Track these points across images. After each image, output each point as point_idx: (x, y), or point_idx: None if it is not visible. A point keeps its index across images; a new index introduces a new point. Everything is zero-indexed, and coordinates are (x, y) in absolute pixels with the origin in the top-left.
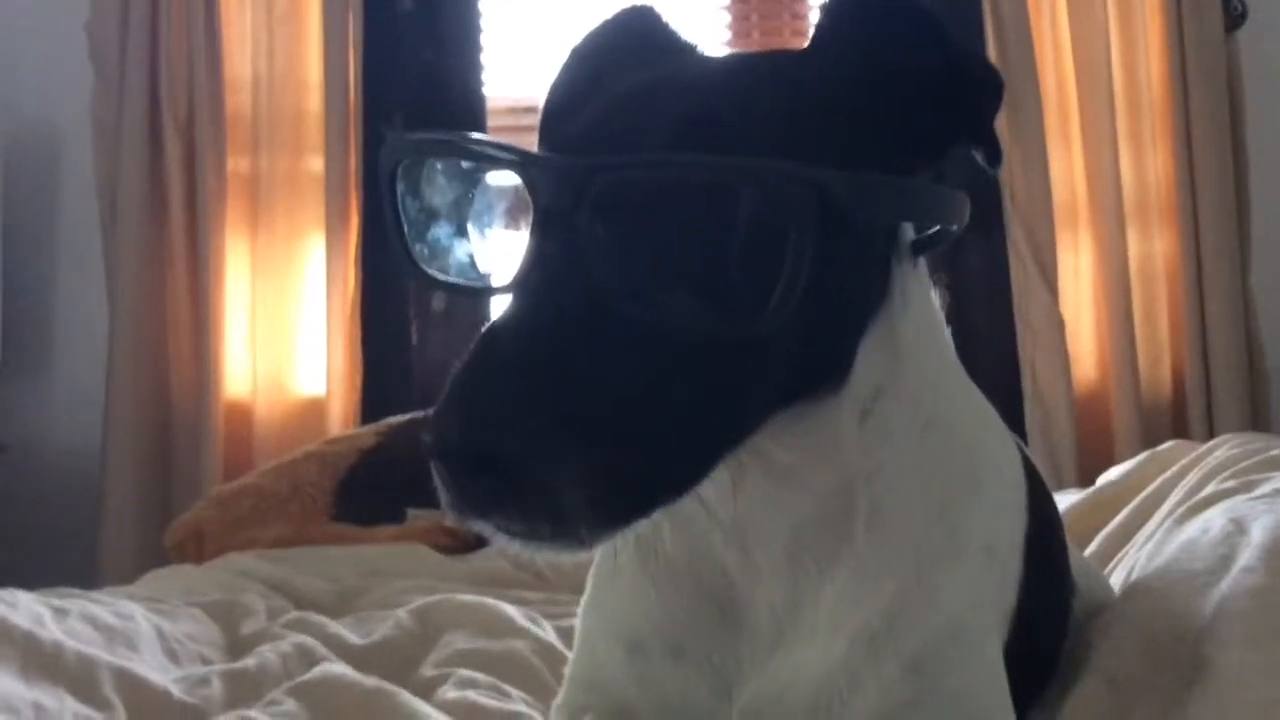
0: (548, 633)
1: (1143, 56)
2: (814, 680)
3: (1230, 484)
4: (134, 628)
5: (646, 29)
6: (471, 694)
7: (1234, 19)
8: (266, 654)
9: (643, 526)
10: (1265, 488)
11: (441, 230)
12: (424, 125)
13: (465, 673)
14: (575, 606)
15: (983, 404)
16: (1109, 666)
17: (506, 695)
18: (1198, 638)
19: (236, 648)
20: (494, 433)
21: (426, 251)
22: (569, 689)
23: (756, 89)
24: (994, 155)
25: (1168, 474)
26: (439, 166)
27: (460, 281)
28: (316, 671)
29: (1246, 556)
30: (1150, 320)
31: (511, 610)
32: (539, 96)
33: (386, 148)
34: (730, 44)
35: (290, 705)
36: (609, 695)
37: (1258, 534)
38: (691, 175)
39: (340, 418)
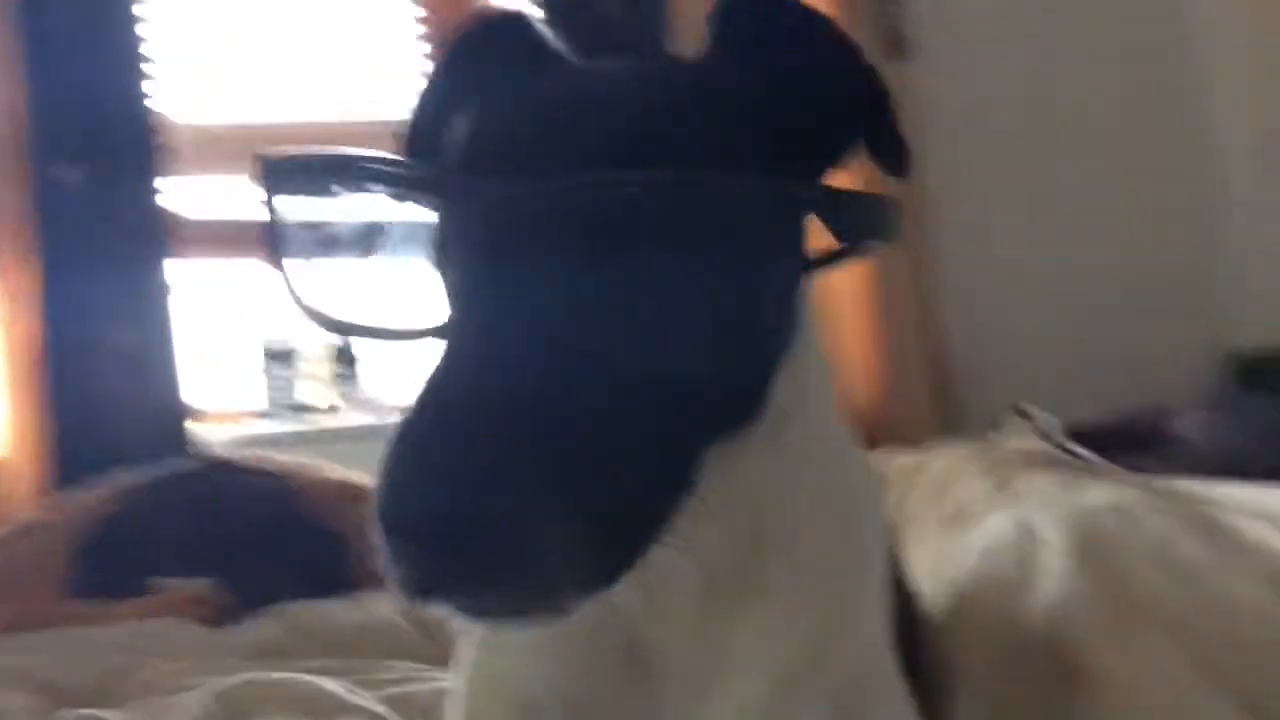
0: (376, 706)
1: None
2: None
3: (983, 486)
4: None
5: (516, 37)
6: None
7: (898, 47)
8: None
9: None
10: (1027, 487)
11: (338, 265)
12: (96, 154)
13: None
14: (386, 673)
15: None
16: (982, 689)
17: None
18: (1055, 647)
19: None
20: (469, 499)
21: (318, 290)
22: None
23: (673, 100)
24: (900, 162)
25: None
26: (334, 191)
27: (369, 325)
28: None
29: (1056, 562)
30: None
31: (330, 685)
32: (224, 119)
33: (266, 169)
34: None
35: None
36: None
37: (1053, 534)
38: (658, 196)
39: (28, 482)
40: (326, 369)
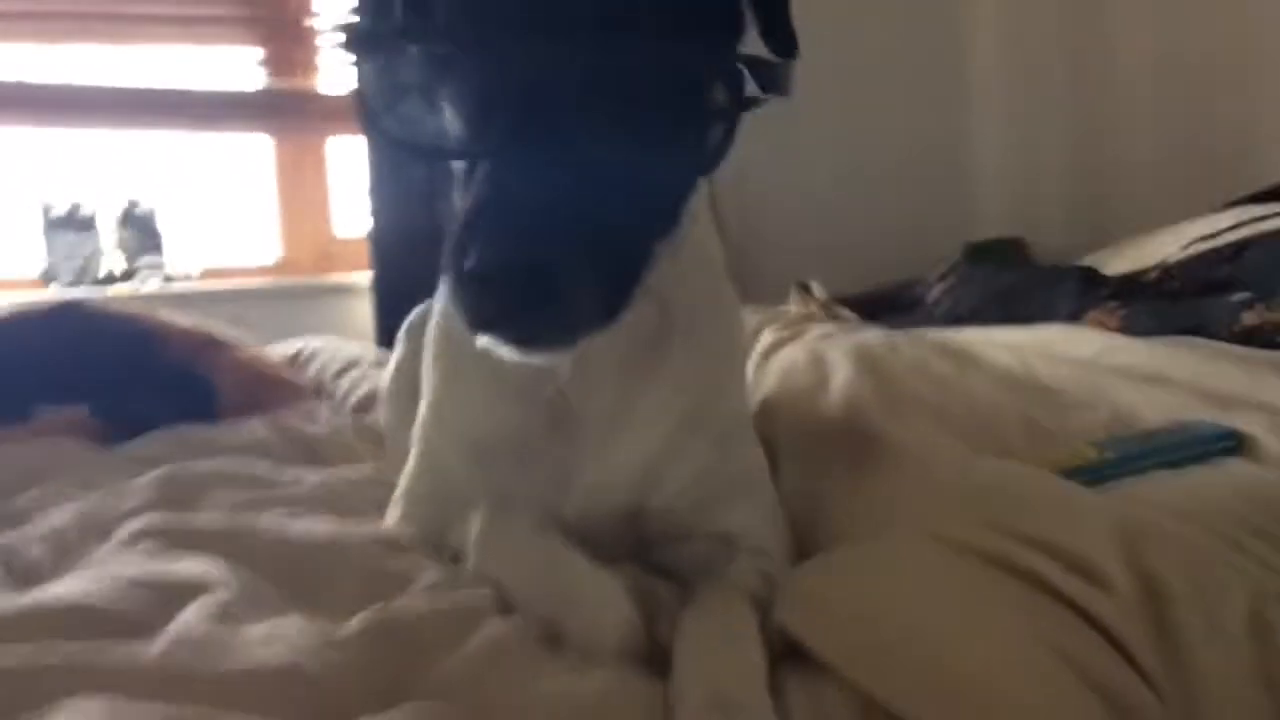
0: (315, 479)
1: None
2: (643, 456)
3: (784, 334)
4: None
5: None
6: (310, 518)
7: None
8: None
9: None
10: (813, 334)
11: (408, 105)
12: None
13: (278, 512)
14: (281, 474)
15: None
16: (792, 451)
17: (358, 513)
18: (850, 426)
19: None
20: (528, 261)
21: (396, 124)
22: (410, 501)
23: None
24: (788, 44)
25: None
26: (405, 50)
27: (433, 145)
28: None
29: (841, 375)
30: None
31: (265, 466)
32: None
33: (352, 38)
34: None
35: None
36: (457, 500)
37: (840, 361)
38: (641, 55)
39: None
40: (116, 236)
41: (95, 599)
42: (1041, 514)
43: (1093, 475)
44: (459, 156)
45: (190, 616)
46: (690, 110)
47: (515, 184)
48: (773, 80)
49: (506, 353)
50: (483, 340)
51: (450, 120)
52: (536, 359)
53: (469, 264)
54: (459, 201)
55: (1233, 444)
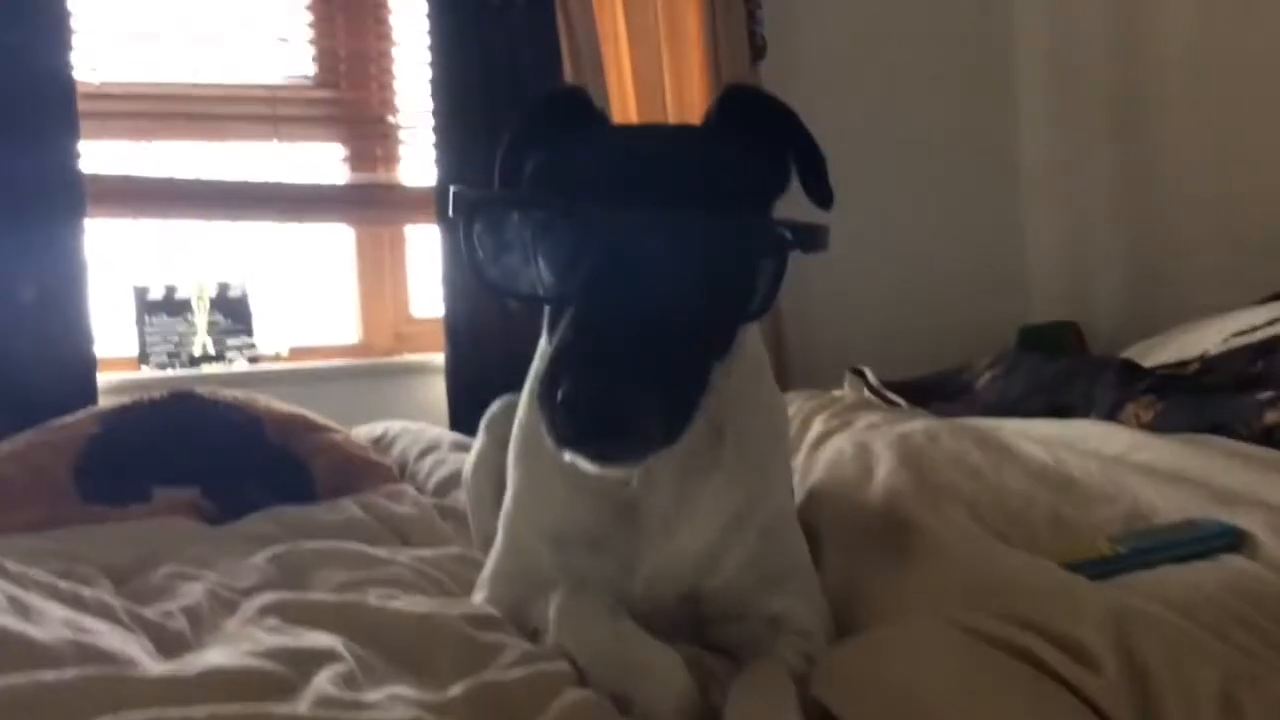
0: (407, 558)
1: (688, 80)
2: (699, 547)
3: (834, 423)
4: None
5: (579, 103)
6: (410, 596)
7: (757, 50)
8: (179, 600)
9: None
10: (862, 423)
11: (511, 258)
12: (9, 107)
13: (379, 590)
14: (380, 552)
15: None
16: (836, 540)
17: (446, 590)
18: (888, 515)
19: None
20: (616, 388)
21: (498, 273)
22: (496, 583)
23: (707, 157)
24: (826, 198)
25: None
26: (508, 214)
27: (530, 293)
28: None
29: (886, 465)
30: None
31: (365, 546)
32: (127, 78)
33: (460, 201)
34: (315, 42)
35: (273, 621)
36: (538, 582)
37: (883, 452)
38: (704, 225)
39: None
40: (208, 318)
41: (246, 666)
42: (1046, 603)
43: (1105, 568)
44: (551, 303)
45: (322, 681)
46: (745, 265)
47: (599, 327)
48: (814, 240)
49: (586, 466)
50: (567, 455)
51: (544, 271)
52: (611, 472)
53: (560, 394)
54: (548, 337)
55: (1233, 540)
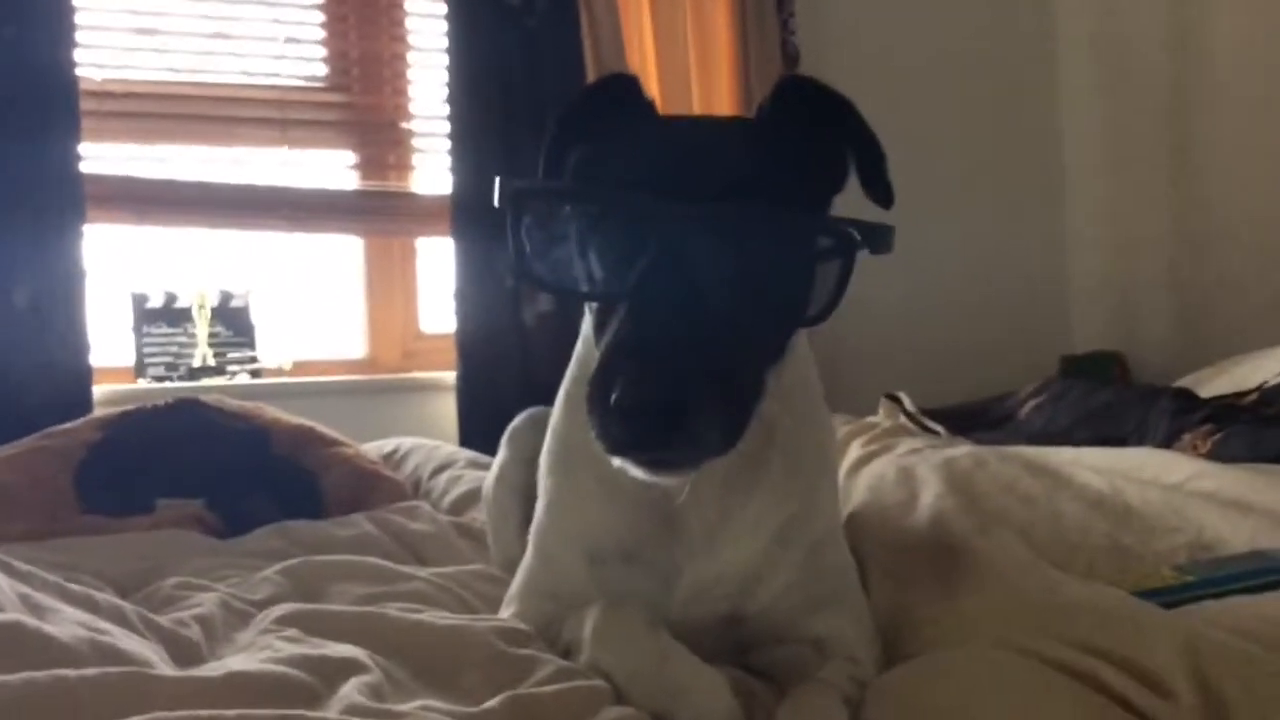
0: (427, 574)
1: (717, 88)
2: (743, 565)
3: (873, 448)
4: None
5: (628, 92)
6: (434, 611)
7: (790, 59)
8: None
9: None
10: (902, 448)
11: (559, 252)
12: (7, 104)
13: (400, 605)
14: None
15: None
16: (881, 563)
17: (470, 607)
18: (936, 540)
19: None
20: (673, 392)
21: (545, 269)
22: (526, 598)
23: (761, 150)
24: (886, 196)
25: None
26: (557, 206)
27: (577, 289)
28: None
29: (932, 489)
30: None
31: (384, 561)
32: (131, 76)
33: (515, 192)
34: (326, 43)
35: (292, 632)
36: (571, 598)
37: (929, 476)
38: (765, 221)
39: None
40: (205, 329)
41: (271, 672)
42: (1116, 630)
43: (1172, 597)
44: (600, 299)
45: (350, 691)
46: (805, 265)
47: (653, 327)
48: (881, 241)
49: (639, 473)
50: (618, 462)
51: (594, 267)
52: (664, 480)
53: (615, 395)
54: (596, 338)
55: None
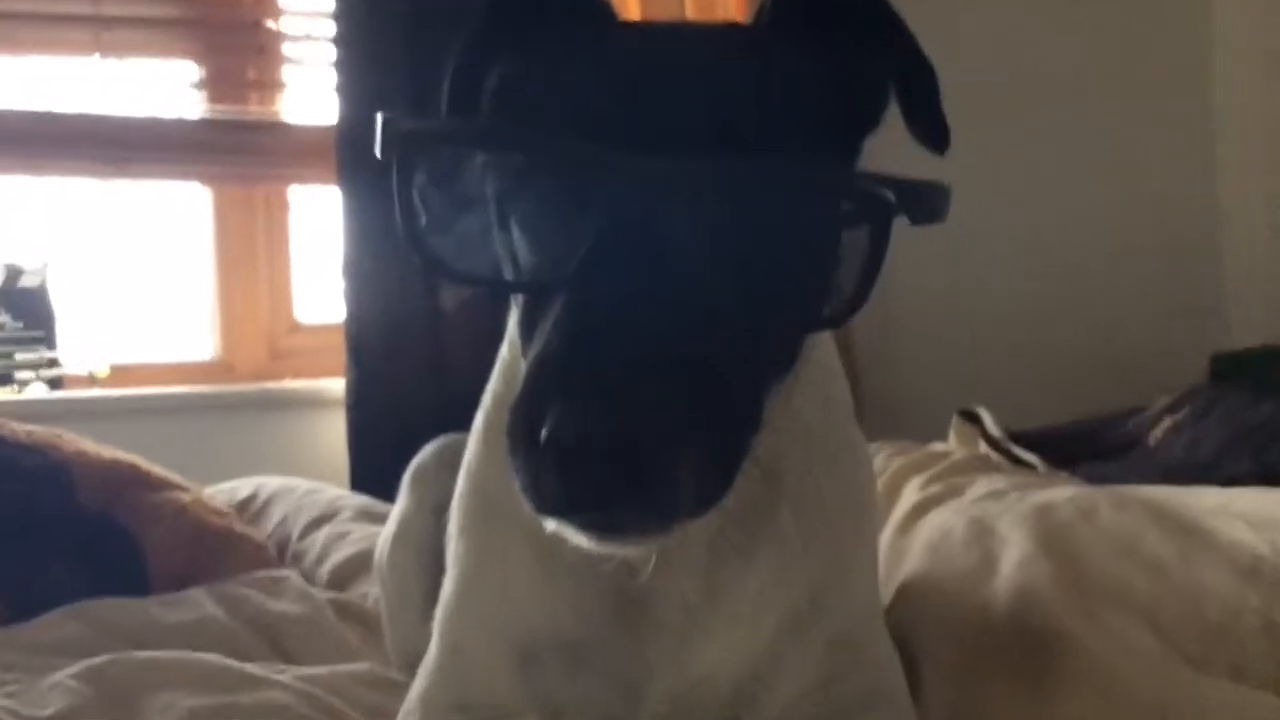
0: (290, 679)
1: None
2: (739, 663)
3: (936, 489)
4: None
5: None
6: None
7: None
8: None
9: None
10: (978, 489)
11: (468, 223)
12: None
13: None
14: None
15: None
16: (943, 661)
17: None
18: (1023, 626)
19: None
20: (630, 425)
21: (451, 245)
22: (429, 711)
23: (763, 73)
24: (938, 133)
25: None
26: (467, 155)
27: (496, 276)
28: None
29: (1016, 553)
30: None
31: (227, 660)
32: None
33: (398, 135)
34: None
35: None
36: (492, 712)
37: (1013, 532)
38: (764, 178)
39: None
40: None
41: None
42: None
43: None
44: (529, 291)
45: None
46: (821, 240)
47: (604, 331)
48: (928, 204)
49: (584, 541)
50: (553, 524)
51: (519, 244)
52: (621, 550)
53: (547, 429)
54: (523, 345)
55: None
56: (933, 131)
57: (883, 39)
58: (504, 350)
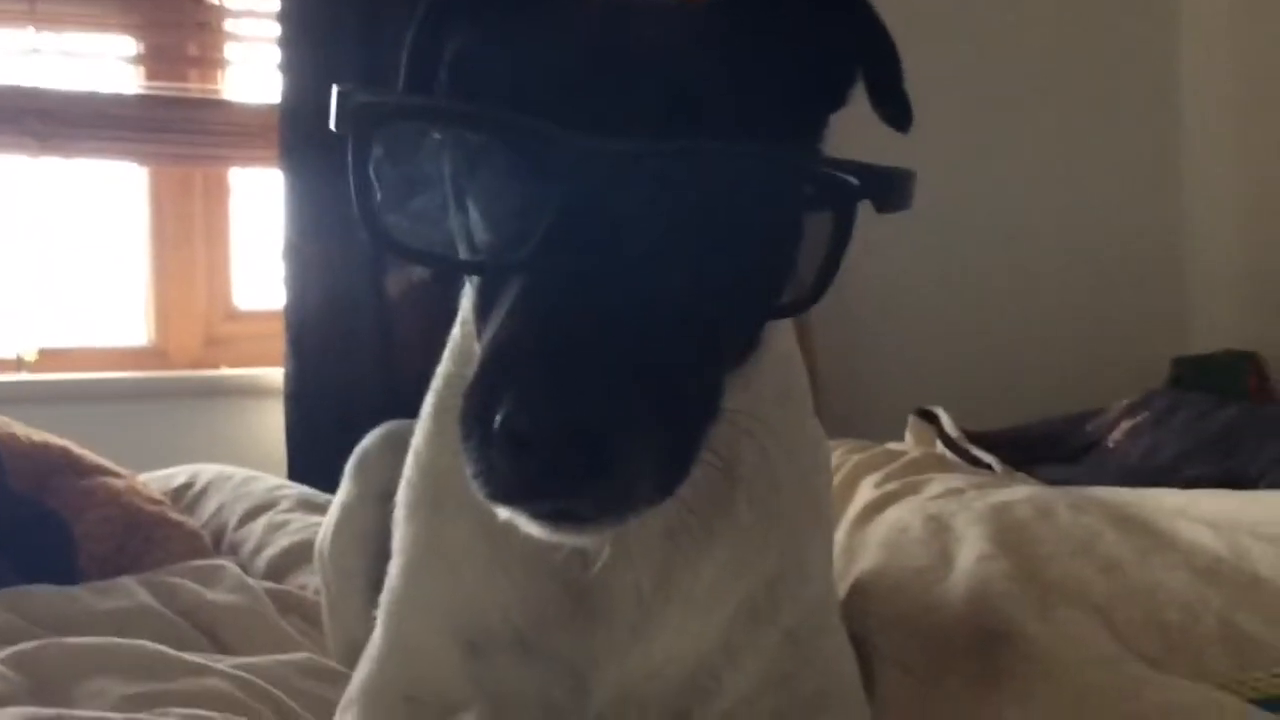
0: (227, 666)
1: None
2: (692, 654)
3: (892, 487)
4: None
5: None
6: None
7: None
8: None
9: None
10: (935, 488)
11: (424, 201)
12: None
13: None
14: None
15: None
16: (898, 657)
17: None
18: (978, 622)
19: None
20: (586, 410)
21: (405, 224)
22: (372, 702)
23: (725, 50)
24: (905, 114)
25: None
26: (423, 132)
27: (450, 255)
28: None
29: (975, 548)
30: None
31: (162, 646)
32: None
33: (354, 108)
34: None
35: None
36: (436, 700)
37: (969, 530)
38: (724, 159)
39: None
40: None
41: None
42: None
43: None
44: (483, 271)
45: None
46: (782, 225)
47: (560, 314)
48: (892, 191)
49: (537, 531)
50: (505, 513)
51: (475, 224)
52: (574, 540)
53: (501, 416)
54: (477, 327)
55: None
56: (896, 110)
57: (843, 14)
58: (456, 330)
